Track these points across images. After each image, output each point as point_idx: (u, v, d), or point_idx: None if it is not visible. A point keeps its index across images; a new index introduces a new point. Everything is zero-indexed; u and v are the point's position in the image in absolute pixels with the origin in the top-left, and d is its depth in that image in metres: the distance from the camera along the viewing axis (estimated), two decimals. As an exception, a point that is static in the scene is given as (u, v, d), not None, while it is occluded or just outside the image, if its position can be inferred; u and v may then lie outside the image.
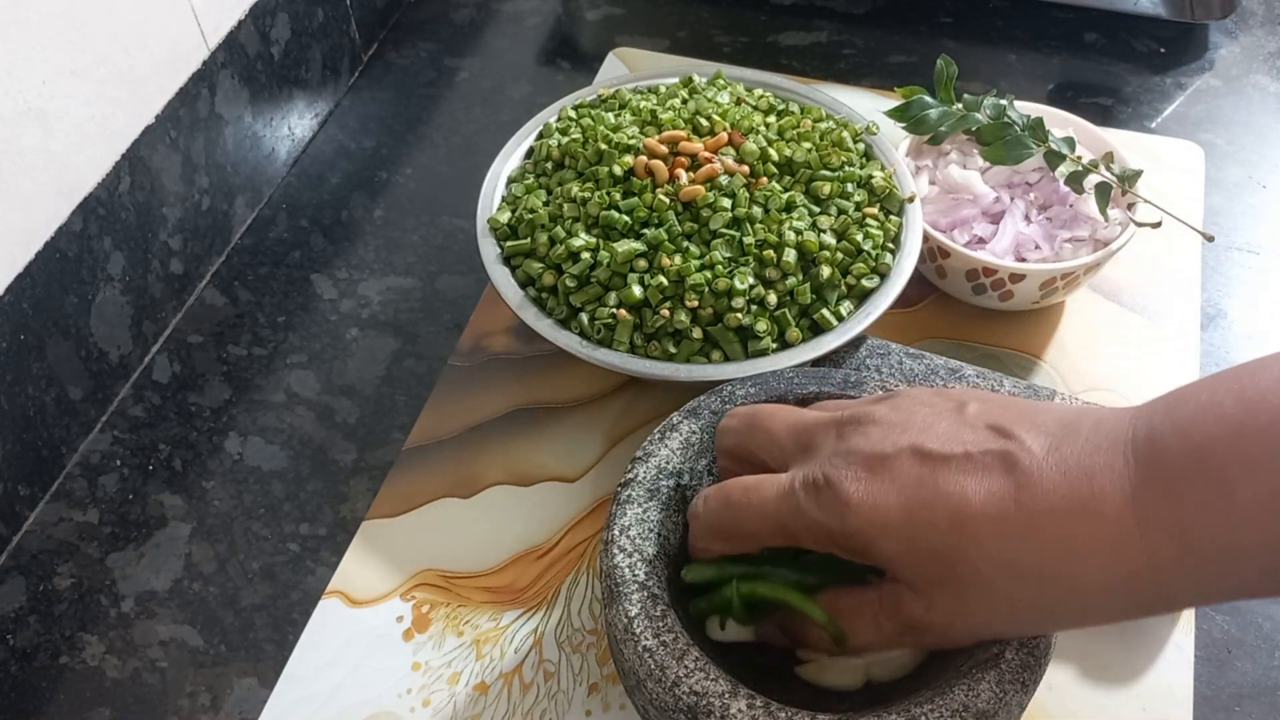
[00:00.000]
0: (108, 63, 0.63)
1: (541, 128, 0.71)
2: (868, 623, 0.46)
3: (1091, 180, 0.68)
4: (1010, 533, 0.40)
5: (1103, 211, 0.66)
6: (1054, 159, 0.68)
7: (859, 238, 0.63)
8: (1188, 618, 0.58)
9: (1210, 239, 0.69)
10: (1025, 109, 0.72)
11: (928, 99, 0.71)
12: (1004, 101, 0.70)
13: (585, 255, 0.62)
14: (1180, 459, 0.38)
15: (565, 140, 0.68)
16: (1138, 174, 0.68)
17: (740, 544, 0.48)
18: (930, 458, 0.42)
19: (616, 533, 0.50)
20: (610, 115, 0.69)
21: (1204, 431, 0.38)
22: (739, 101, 0.70)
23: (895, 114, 0.71)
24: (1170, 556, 0.38)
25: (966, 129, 0.70)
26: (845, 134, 0.68)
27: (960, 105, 0.71)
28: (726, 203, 0.63)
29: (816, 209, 0.64)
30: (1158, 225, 0.67)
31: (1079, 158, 0.69)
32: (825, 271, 0.62)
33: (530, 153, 0.71)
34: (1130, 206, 0.68)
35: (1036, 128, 0.69)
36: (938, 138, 0.71)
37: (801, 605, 0.47)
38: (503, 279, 0.64)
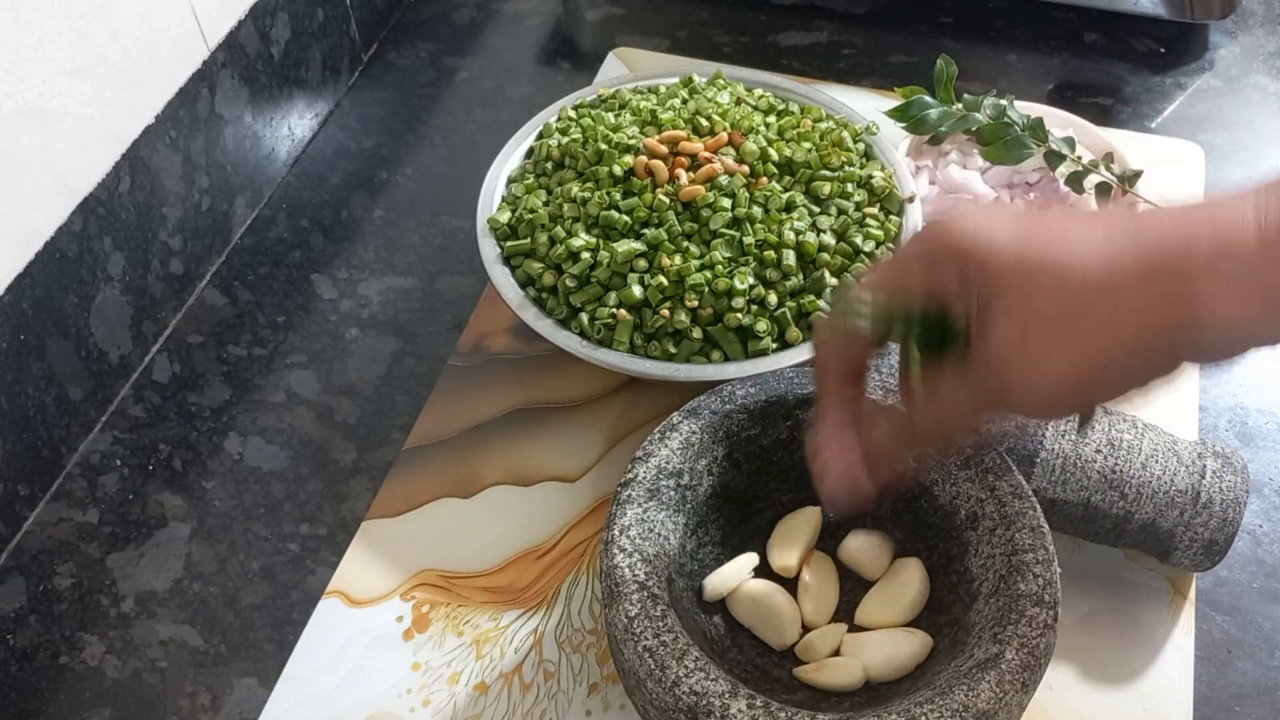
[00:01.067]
0: (108, 63, 0.63)
1: (541, 128, 0.71)
2: (955, 389, 0.44)
3: (1092, 180, 0.68)
4: (1117, 241, 0.39)
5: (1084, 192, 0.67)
6: (1054, 159, 0.68)
7: (859, 238, 0.63)
8: (1188, 618, 0.58)
9: (1210, 239, 0.69)
10: (1025, 109, 0.72)
11: (928, 99, 0.71)
12: (1004, 102, 0.70)
13: (585, 255, 0.62)
14: None
15: (565, 140, 0.68)
16: (1138, 174, 0.68)
17: (859, 310, 0.46)
18: (1029, 208, 0.43)
19: (616, 533, 0.50)
20: (610, 115, 0.69)
21: None
22: (739, 101, 0.70)
23: (895, 114, 0.71)
24: None
25: (967, 129, 0.70)
26: (845, 134, 0.68)
27: (960, 105, 0.71)
28: (726, 203, 0.63)
29: (816, 209, 0.64)
30: None
31: (1079, 158, 0.69)
32: (824, 272, 0.62)
33: (530, 153, 0.71)
34: (1130, 206, 0.68)
35: (1036, 128, 0.69)
36: (938, 138, 0.71)
37: (911, 351, 0.45)
38: (503, 279, 0.64)
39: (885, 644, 0.52)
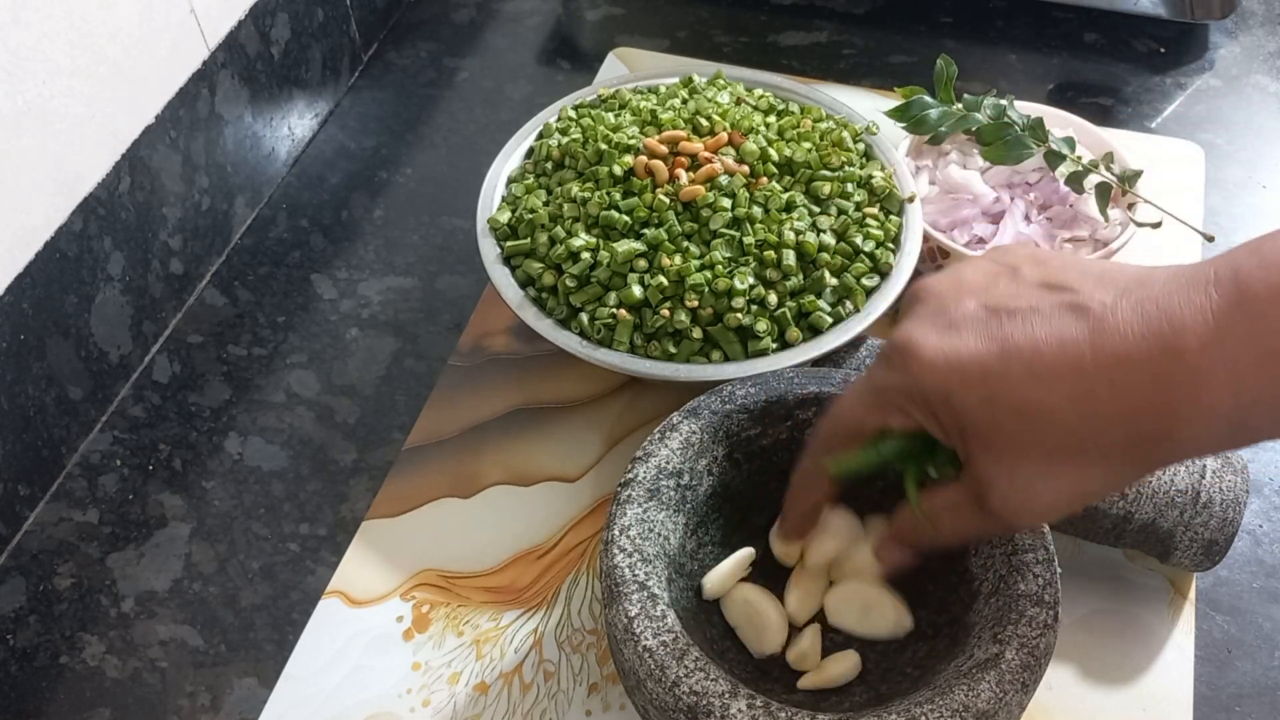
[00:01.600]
0: (108, 63, 0.63)
1: (541, 128, 0.71)
2: (954, 514, 0.46)
3: (1092, 180, 0.68)
4: (1088, 382, 0.39)
5: (1103, 211, 0.66)
6: (1054, 159, 0.68)
7: (859, 238, 0.63)
8: (1188, 618, 0.58)
9: (1210, 239, 0.69)
10: (1025, 109, 0.72)
11: (928, 99, 0.71)
12: (1004, 102, 0.70)
13: (585, 255, 0.62)
14: (1267, 289, 0.36)
15: (565, 140, 0.68)
16: (1138, 174, 0.68)
17: (845, 442, 0.48)
18: (996, 312, 0.41)
19: (616, 533, 0.50)
20: (610, 115, 0.69)
21: None
22: (739, 101, 0.70)
23: (895, 114, 0.71)
24: (1257, 386, 0.37)
25: (966, 129, 0.70)
26: (845, 134, 0.68)
27: (960, 105, 0.71)
28: (726, 203, 0.63)
29: (816, 209, 0.64)
30: (1158, 225, 0.67)
31: (1079, 158, 0.69)
32: (825, 272, 0.62)
33: (530, 153, 0.71)
34: (1130, 206, 0.68)
35: (1036, 128, 0.69)
36: (938, 138, 0.71)
37: (909, 487, 0.48)
38: (503, 279, 0.64)
39: (865, 594, 0.53)
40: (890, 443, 0.47)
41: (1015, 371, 0.40)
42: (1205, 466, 0.55)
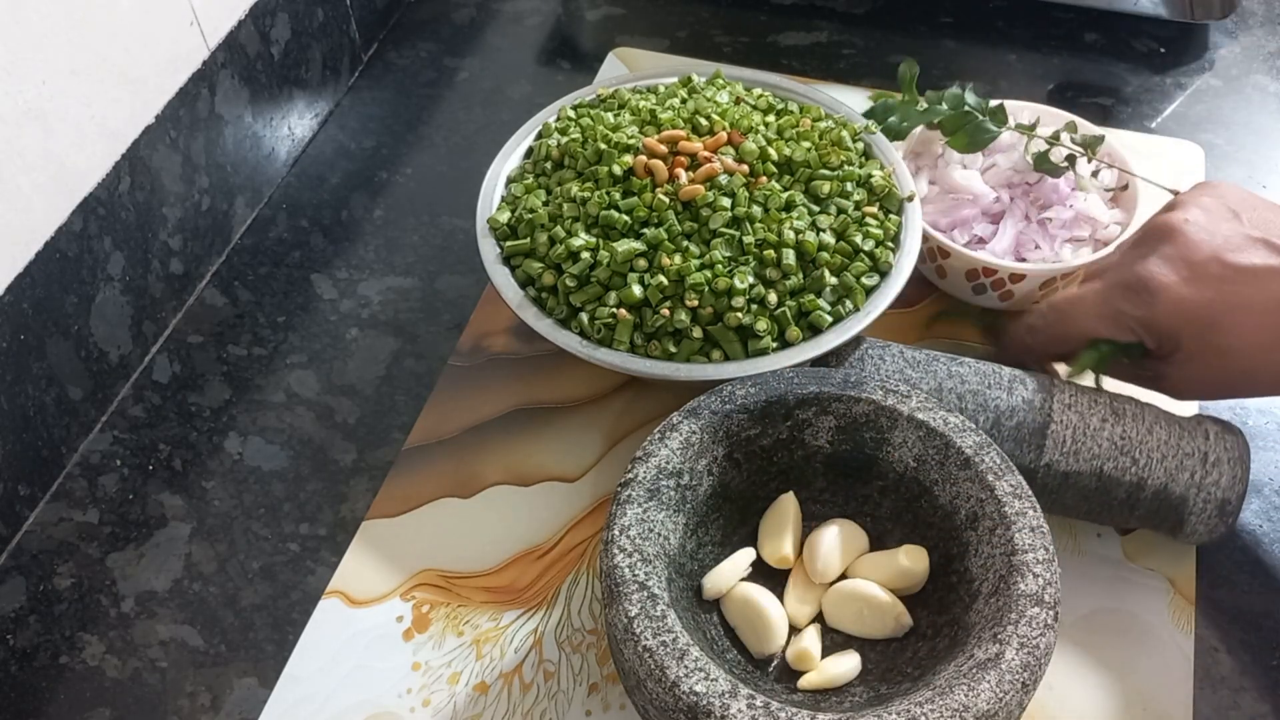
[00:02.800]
0: (108, 63, 0.63)
1: (541, 127, 0.71)
2: (1131, 376, 0.60)
3: (1059, 154, 0.69)
4: None
5: (1060, 174, 0.68)
6: (1024, 129, 0.69)
7: (858, 237, 0.63)
8: (1188, 617, 0.58)
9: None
10: (1025, 109, 0.72)
11: (891, 102, 0.71)
12: (959, 90, 0.70)
13: (585, 255, 0.62)
14: None
15: (565, 140, 0.68)
16: (1099, 139, 0.69)
17: (1070, 344, 0.59)
18: (1225, 266, 0.53)
19: (616, 533, 0.50)
20: (610, 115, 0.69)
21: None
22: (738, 101, 0.70)
23: (871, 116, 0.71)
24: None
25: (929, 123, 0.70)
26: (844, 133, 0.68)
27: (923, 101, 0.71)
28: (726, 202, 0.63)
29: (816, 208, 0.64)
30: (1124, 188, 0.68)
31: (1041, 134, 0.69)
32: (824, 271, 0.62)
33: (530, 152, 0.71)
34: (1125, 187, 0.68)
35: (997, 112, 0.69)
36: (901, 134, 0.70)
37: (1097, 358, 0.59)
38: (503, 279, 0.64)
39: (865, 594, 0.54)
40: (1107, 346, 0.58)
41: (1231, 326, 0.53)
42: (1206, 429, 0.57)
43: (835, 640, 0.54)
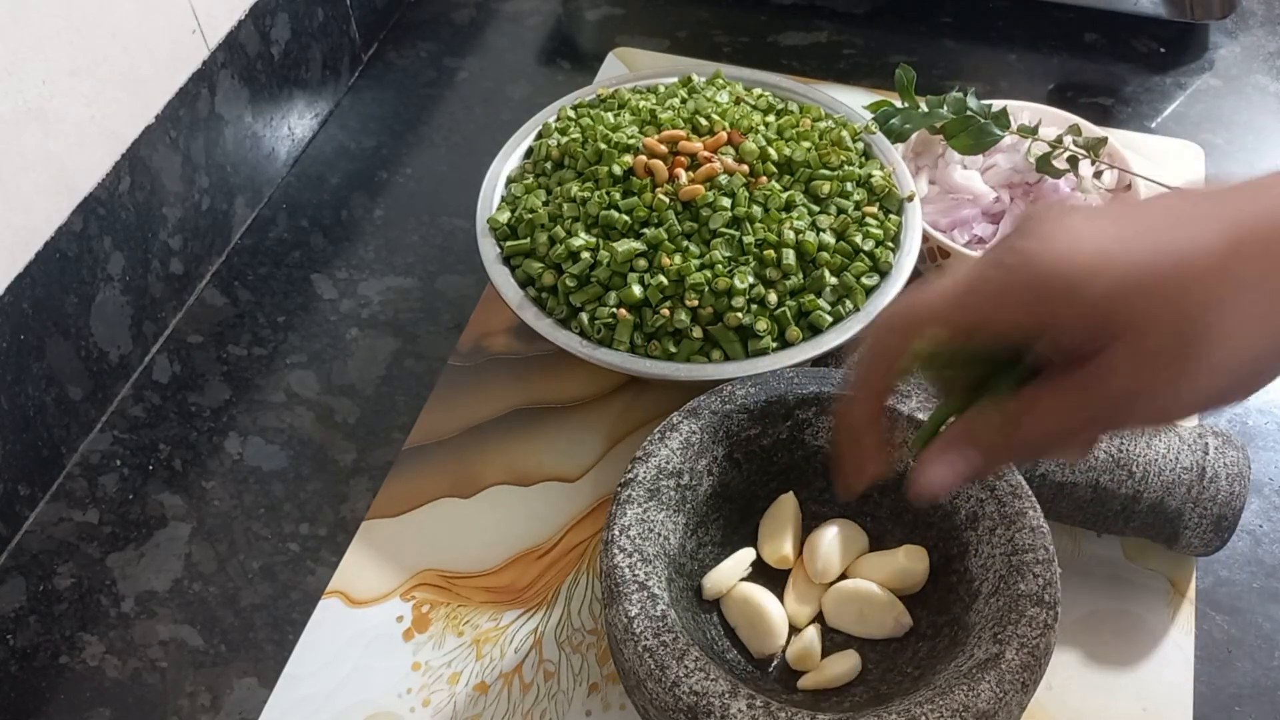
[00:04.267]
0: (108, 63, 0.63)
1: (541, 127, 0.71)
2: (1058, 407, 0.38)
3: (1061, 156, 0.69)
4: (1258, 257, 0.34)
5: (1062, 175, 0.68)
6: (1026, 132, 0.69)
7: (858, 237, 0.63)
8: (1188, 617, 0.58)
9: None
10: (1026, 109, 0.72)
11: (892, 107, 0.71)
12: (961, 95, 0.70)
13: (585, 255, 0.62)
14: None
15: (565, 140, 0.68)
16: (1102, 141, 0.68)
17: (907, 338, 0.41)
18: (1129, 206, 0.37)
19: (616, 533, 0.50)
20: (610, 115, 0.69)
21: None
22: (738, 101, 0.70)
23: (875, 123, 0.71)
24: None
25: (930, 126, 0.70)
26: (844, 133, 0.68)
27: (924, 106, 0.71)
28: (726, 202, 0.63)
29: (816, 208, 0.64)
30: (1128, 188, 0.68)
31: (1044, 136, 0.69)
32: (824, 271, 0.62)
33: (530, 152, 0.71)
34: (1127, 187, 0.68)
35: (1000, 116, 0.69)
36: (903, 136, 0.70)
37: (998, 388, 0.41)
38: (503, 279, 0.64)
39: (865, 594, 0.54)
40: (973, 347, 0.40)
41: (1164, 253, 0.35)
42: (1207, 444, 0.56)
43: (835, 640, 0.54)
